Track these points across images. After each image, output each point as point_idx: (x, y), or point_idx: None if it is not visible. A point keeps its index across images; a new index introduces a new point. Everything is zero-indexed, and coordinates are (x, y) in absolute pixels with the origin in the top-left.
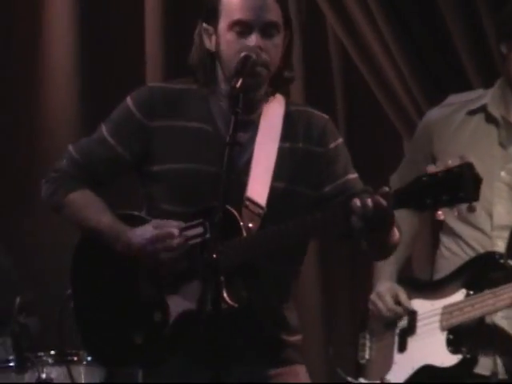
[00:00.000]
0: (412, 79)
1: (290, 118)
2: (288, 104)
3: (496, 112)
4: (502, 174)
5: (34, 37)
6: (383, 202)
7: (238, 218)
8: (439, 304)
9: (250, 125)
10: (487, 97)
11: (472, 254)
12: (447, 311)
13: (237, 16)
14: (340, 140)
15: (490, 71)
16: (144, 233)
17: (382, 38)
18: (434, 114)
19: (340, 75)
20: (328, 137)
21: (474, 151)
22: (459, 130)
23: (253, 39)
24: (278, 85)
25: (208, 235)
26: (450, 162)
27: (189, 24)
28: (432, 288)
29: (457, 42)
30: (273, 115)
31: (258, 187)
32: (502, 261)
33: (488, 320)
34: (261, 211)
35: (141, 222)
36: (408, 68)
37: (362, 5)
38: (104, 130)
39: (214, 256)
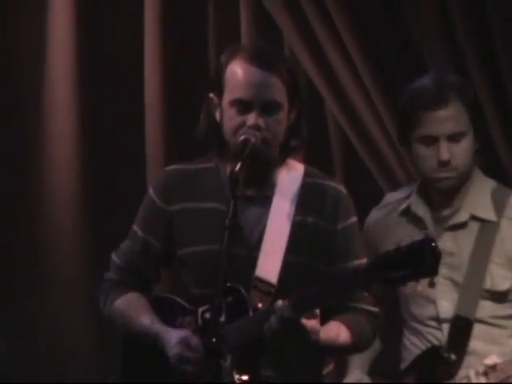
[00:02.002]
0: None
1: (305, 190)
2: (306, 175)
3: (420, 210)
4: (442, 269)
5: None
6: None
7: (247, 298)
8: None
9: (263, 200)
10: (412, 195)
11: (428, 345)
12: None
13: (237, 94)
14: (351, 220)
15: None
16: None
17: (382, 124)
18: (372, 217)
19: (339, 154)
20: (339, 215)
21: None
22: (394, 232)
23: (252, 117)
24: (286, 154)
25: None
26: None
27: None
28: (396, 379)
29: None
30: (288, 188)
31: (269, 265)
32: (445, 355)
33: None
34: (271, 289)
35: (176, 306)
36: None
37: (361, 88)
38: (135, 225)
39: (214, 340)
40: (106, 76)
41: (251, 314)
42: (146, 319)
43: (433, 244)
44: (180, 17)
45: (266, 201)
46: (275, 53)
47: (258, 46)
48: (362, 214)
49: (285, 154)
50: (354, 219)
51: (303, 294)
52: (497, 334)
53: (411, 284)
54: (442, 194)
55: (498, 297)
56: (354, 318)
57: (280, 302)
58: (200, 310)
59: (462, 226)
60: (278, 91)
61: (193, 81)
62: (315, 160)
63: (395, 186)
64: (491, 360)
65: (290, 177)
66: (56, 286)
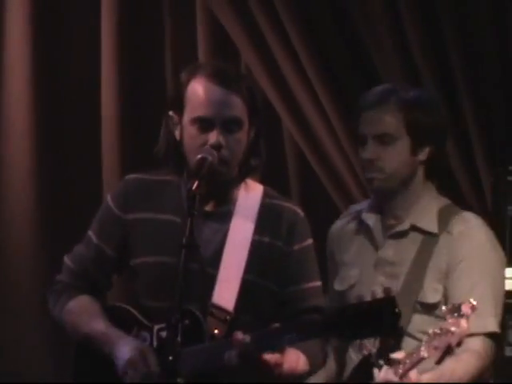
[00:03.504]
0: None
1: (263, 210)
2: (264, 195)
3: (370, 219)
4: (381, 278)
5: None
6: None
7: (203, 324)
8: None
9: (220, 216)
10: (367, 206)
11: (360, 357)
12: None
13: (198, 112)
14: (307, 242)
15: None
16: (125, 350)
17: (340, 146)
18: (333, 226)
19: (296, 174)
20: (295, 237)
21: (358, 260)
22: (351, 239)
23: (213, 136)
24: (246, 173)
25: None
26: (376, 293)
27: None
28: None
29: None
30: (247, 208)
31: (226, 291)
32: (372, 361)
33: None
34: (228, 316)
35: (131, 318)
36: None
37: (319, 109)
38: (90, 230)
39: (170, 358)
40: (62, 86)
41: (207, 341)
42: (100, 324)
43: (395, 306)
44: (136, 30)
45: (223, 217)
46: (235, 71)
47: (218, 65)
48: (319, 232)
49: (244, 173)
50: (310, 241)
51: (265, 331)
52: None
53: None
54: (385, 201)
55: (428, 310)
56: (311, 344)
57: (240, 336)
58: (156, 327)
59: (402, 234)
60: (239, 109)
61: (149, 93)
62: (271, 178)
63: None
64: (398, 355)
65: (249, 196)
66: (7, 286)
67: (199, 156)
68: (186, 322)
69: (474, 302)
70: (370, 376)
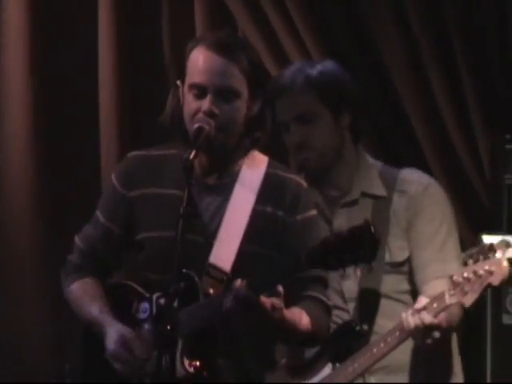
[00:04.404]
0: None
1: (267, 181)
2: (269, 166)
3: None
4: None
5: None
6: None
7: (198, 284)
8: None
9: (223, 188)
10: None
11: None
12: None
13: (194, 79)
14: (311, 213)
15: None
16: (110, 340)
17: None
18: None
19: None
20: (298, 207)
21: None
22: None
23: (206, 103)
24: (249, 145)
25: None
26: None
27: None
28: (305, 368)
29: (414, 122)
30: (250, 177)
31: (224, 252)
32: (357, 328)
33: None
34: (224, 277)
35: (132, 293)
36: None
37: None
38: (97, 210)
39: (168, 327)
40: (59, 68)
41: (202, 300)
42: (96, 308)
43: (371, 229)
44: (134, 9)
45: (226, 189)
46: (238, 42)
47: (222, 36)
48: None
49: (248, 145)
50: (313, 212)
51: (258, 274)
52: (399, 310)
53: None
54: (322, 176)
55: (398, 268)
56: (314, 308)
57: (238, 282)
58: (154, 296)
59: (353, 203)
60: (236, 79)
61: (147, 74)
62: (274, 152)
63: None
64: (420, 303)
65: (253, 167)
66: (9, 273)
67: (196, 125)
68: (182, 284)
69: (508, 240)
70: (352, 344)
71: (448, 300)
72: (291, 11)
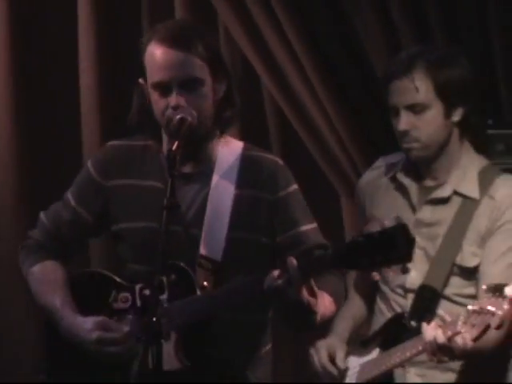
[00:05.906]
0: (348, 139)
1: (243, 163)
2: (245, 149)
3: (405, 179)
4: (417, 239)
5: None
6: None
7: (193, 276)
8: (362, 361)
9: (201, 176)
10: (401, 163)
11: (392, 313)
12: (362, 368)
13: (155, 78)
14: (292, 187)
15: None
16: (86, 331)
17: (319, 102)
18: (364, 178)
19: (276, 133)
20: (278, 183)
21: (391, 217)
22: (384, 194)
23: (172, 99)
24: (221, 127)
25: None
26: (386, 222)
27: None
28: (364, 345)
29: None
30: (227, 163)
31: (213, 242)
32: (406, 323)
33: (401, 378)
34: (216, 267)
35: (107, 282)
36: (343, 127)
37: (298, 67)
38: (69, 192)
39: (154, 319)
40: (40, 67)
41: (198, 292)
42: (57, 299)
43: (408, 232)
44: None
45: (203, 177)
46: (191, 30)
47: (172, 26)
48: (299, 187)
49: (220, 126)
50: (295, 186)
51: (308, 259)
52: (457, 313)
53: None
54: (423, 165)
55: (466, 273)
56: (331, 281)
57: (292, 261)
58: (137, 286)
59: (444, 200)
60: (196, 67)
61: (126, 60)
62: (252, 135)
63: (334, 164)
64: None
65: (229, 152)
66: None
67: (178, 116)
68: (173, 276)
69: None
70: (400, 336)
71: (459, 327)
72: (276, 9)
